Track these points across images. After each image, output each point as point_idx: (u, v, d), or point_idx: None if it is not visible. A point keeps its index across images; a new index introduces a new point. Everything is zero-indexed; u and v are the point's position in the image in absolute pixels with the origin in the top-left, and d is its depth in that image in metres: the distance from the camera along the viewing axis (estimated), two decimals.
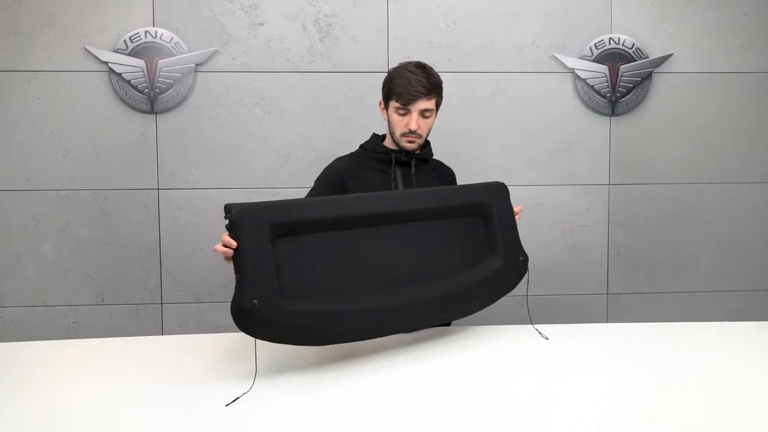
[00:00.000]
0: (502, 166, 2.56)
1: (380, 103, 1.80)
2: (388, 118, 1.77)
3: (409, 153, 1.79)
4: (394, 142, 1.79)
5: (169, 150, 2.46)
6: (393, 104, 1.73)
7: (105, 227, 2.46)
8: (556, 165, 2.59)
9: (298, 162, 2.49)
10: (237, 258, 1.31)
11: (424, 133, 1.76)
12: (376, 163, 1.81)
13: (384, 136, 1.86)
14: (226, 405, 1.23)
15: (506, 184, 1.71)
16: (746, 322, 1.78)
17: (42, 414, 1.18)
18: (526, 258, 1.68)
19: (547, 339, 1.61)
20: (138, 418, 1.16)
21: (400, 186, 1.78)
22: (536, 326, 1.67)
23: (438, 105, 1.76)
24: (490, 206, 1.64)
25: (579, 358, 1.47)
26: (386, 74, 1.78)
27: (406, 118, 1.72)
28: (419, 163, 1.81)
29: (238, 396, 1.26)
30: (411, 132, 1.72)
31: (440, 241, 1.58)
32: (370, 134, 1.89)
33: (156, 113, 2.44)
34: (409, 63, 1.75)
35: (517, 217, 1.70)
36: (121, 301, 2.49)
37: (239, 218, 1.32)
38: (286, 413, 1.19)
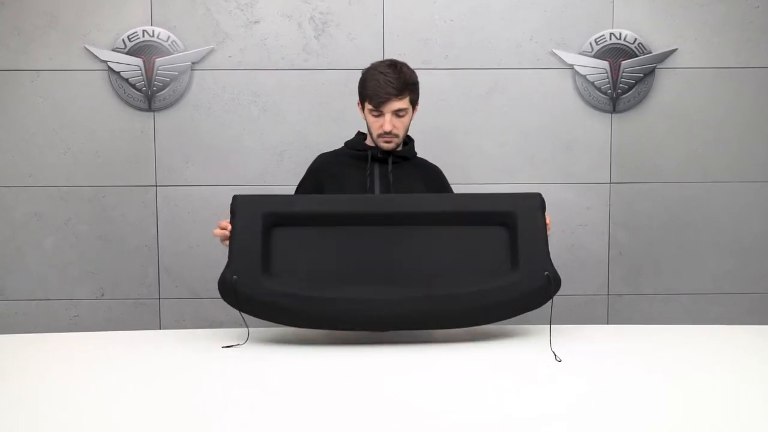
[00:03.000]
0: (499, 165, 2.53)
1: (358, 103, 1.81)
2: (365, 118, 1.78)
3: (386, 150, 1.79)
4: (373, 141, 1.79)
5: (167, 147, 2.49)
6: (367, 106, 1.74)
7: (104, 223, 2.51)
8: (556, 163, 2.54)
9: (294, 159, 2.50)
10: (230, 239, 1.53)
11: (400, 132, 1.76)
12: (354, 160, 1.82)
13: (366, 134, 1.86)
14: (223, 347, 1.48)
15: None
16: (754, 326, 1.72)
17: (43, 404, 1.20)
18: (552, 275, 1.55)
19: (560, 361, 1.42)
20: (135, 409, 1.18)
21: (377, 183, 1.78)
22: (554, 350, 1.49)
23: (413, 102, 1.75)
24: (515, 216, 1.55)
25: (578, 359, 1.43)
26: (360, 73, 1.78)
27: (380, 120, 1.72)
28: (398, 161, 1.81)
29: (234, 344, 1.50)
30: (386, 133, 1.72)
31: (445, 247, 1.55)
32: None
33: (153, 111, 2.47)
34: (382, 62, 1.74)
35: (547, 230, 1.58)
36: (120, 296, 2.54)
37: (235, 206, 1.55)
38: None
